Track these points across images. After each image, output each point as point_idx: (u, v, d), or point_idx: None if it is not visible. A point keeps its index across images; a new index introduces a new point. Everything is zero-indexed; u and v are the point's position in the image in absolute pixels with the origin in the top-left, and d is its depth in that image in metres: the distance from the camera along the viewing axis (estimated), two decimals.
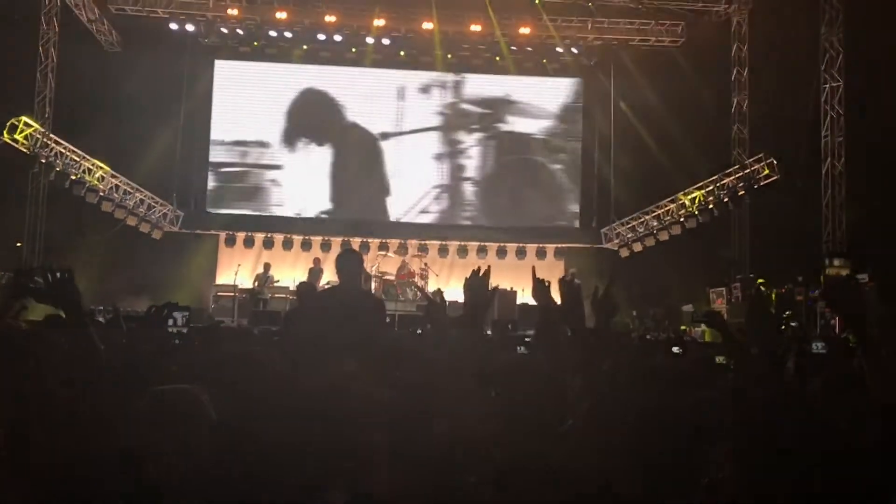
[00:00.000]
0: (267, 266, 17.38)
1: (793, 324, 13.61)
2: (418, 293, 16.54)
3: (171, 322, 4.03)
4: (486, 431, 2.42)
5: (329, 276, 16.62)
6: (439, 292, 6.00)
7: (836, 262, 15.16)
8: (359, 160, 19.79)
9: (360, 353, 3.33)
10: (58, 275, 2.74)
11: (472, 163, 20.10)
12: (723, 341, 3.27)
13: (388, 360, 3.42)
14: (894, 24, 14.16)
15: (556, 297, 3.57)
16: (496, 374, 2.94)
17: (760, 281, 14.85)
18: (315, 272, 16.83)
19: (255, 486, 1.93)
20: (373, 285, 17.07)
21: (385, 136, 19.90)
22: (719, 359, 4.43)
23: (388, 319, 8.95)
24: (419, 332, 8.73)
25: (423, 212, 19.84)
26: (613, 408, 2.61)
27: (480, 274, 3.34)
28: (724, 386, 3.10)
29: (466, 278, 3.33)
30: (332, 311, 5.03)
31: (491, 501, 2.01)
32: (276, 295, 16.94)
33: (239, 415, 2.26)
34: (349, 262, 5.66)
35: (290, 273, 17.28)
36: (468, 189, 20.17)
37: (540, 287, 3.49)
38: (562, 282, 3.83)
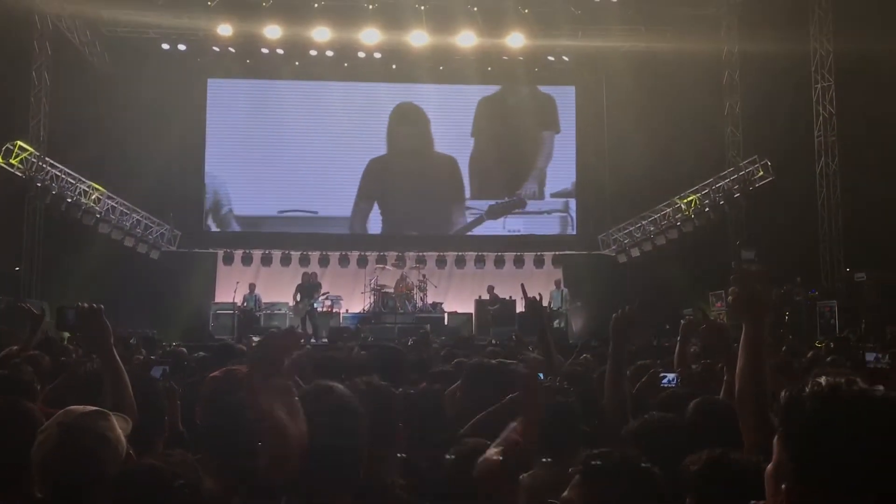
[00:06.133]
0: (252, 286, 17.34)
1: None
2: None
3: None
4: None
5: (326, 289, 16.89)
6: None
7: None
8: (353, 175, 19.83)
9: None
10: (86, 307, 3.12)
11: (465, 172, 20.10)
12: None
13: None
14: (883, 23, 14.24)
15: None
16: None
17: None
18: (310, 288, 16.61)
19: None
20: (371, 299, 17.15)
21: (377, 149, 19.95)
22: None
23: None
24: (410, 342, 8.69)
25: (419, 223, 19.83)
26: None
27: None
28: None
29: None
30: None
31: None
32: (276, 311, 16.98)
33: None
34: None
35: (288, 290, 17.19)
36: (463, 199, 20.17)
37: (532, 305, 3.53)
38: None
